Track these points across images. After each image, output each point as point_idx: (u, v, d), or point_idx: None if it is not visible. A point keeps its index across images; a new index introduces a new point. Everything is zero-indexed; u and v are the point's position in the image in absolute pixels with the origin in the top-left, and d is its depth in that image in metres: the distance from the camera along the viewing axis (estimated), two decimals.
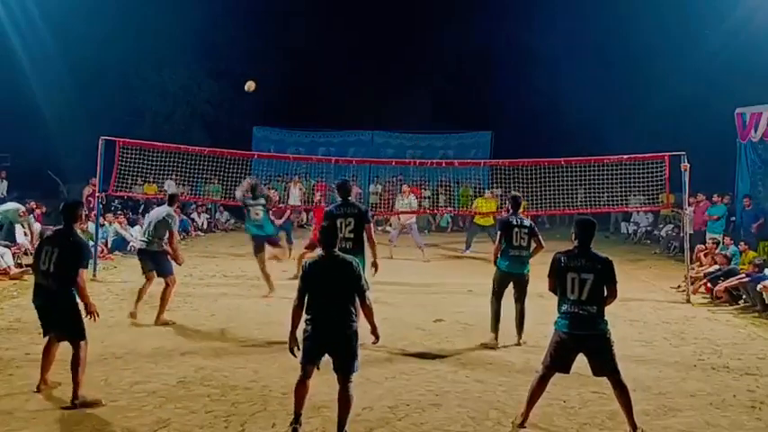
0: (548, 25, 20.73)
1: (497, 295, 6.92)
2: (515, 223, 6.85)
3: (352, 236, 6.56)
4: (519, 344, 6.86)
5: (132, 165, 11.61)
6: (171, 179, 15.00)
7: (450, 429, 4.73)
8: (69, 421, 4.66)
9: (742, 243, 10.85)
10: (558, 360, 4.67)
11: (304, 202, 16.82)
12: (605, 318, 4.64)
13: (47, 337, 5.22)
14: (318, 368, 4.59)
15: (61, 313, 5.06)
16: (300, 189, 17.51)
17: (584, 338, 4.60)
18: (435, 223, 19.62)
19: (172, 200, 7.93)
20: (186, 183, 13.39)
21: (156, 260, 7.60)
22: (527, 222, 6.98)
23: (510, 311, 6.99)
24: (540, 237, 6.96)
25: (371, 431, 4.68)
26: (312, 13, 23.39)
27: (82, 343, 5.06)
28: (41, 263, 5.01)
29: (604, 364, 4.61)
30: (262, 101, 23.05)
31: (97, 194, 10.67)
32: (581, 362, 6.29)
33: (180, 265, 7.79)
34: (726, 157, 13.46)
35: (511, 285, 6.93)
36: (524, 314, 6.91)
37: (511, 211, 7.12)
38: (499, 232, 6.97)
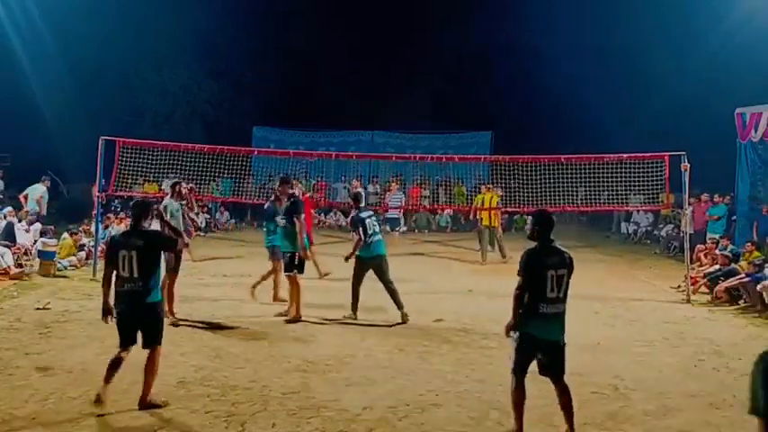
0: (548, 25, 20.75)
1: (359, 280, 7.83)
2: (365, 216, 7.94)
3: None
4: (404, 320, 7.67)
5: (132, 164, 11.61)
6: (169, 179, 15.01)
7: (450, 429, 4.73)
8: (69, 422, 4.66)
9: (748, 244, 10.80)
10: (527, 363, 4.53)
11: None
12: None
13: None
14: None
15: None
16: (298, 192, 17.38)
17: (548, 344, 4.48)
18: (435, 223, 19.64)
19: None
20: (187, 182, 13.39)
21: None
22: (371, 213, 8.26)
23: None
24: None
25: (371, 431, 4.67)
26: (312, 13, 23.39)
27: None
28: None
29: (561, 365, 4.54)
30: (262, 101, 23.12)
31: (97, 194, 10.66)
32: (581, 362, 6.31)
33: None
34: (726, 157, 13.45)
35: (371, 271, 7.82)
36: (396, 291, 7.81)
37: (355, 207, 8.14)
38: (360, 227, 7.80)
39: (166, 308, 7.59)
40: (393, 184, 16.80)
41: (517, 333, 4.53)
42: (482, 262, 12.74)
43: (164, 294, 7.49)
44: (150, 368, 4.95)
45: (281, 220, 7.84)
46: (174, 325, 7.31)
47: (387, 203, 15.67)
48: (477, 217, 13.69)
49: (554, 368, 4.53)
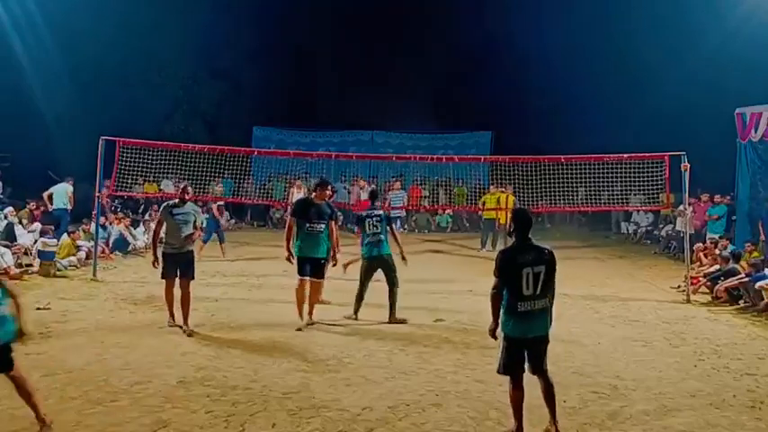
0: (548, 25, 20.73)
1: (363, 279, 7.82)
2: (365, 215, 7.89)
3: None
4: (397, 321, 7.65)
5: (132, 164, 11.61)
6: (168, 179, 15.03)
7: (450, 429, 4.73)
8: (68, 421, 4.66)
9: (748, 244, 10.79)
10: (517, 364, 4.54)
11: None
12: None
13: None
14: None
15: None
16: (305, 194, 17.23)
17: (534, 341, 4.53)
18: (434, 223, 19.62)
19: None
20: (187, 182, 13.41)
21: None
22: (372, 211, 7.89)
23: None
24: (392, 224, 8.15)
25: (371, 431, 4.67)
26: (312, 13, 23.40)
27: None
28: None
29: (541, 363, 4.56)
30: (262, 101, 23.12)
31: (96, 194, 10.66)
32: (581, 362, 6.31)
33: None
34: (726, 157, 13.45)
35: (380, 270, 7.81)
36: (395, 297, 7.80)
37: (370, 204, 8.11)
38: (357, 225, 7.99)
39: (167, 316, 7.34)
40: (396, 182, 16.85)
41: (503, 334, 4.56)
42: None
43: (167, 298, 7.28)
44: (27, 391, 4.48)
45: (319, 225, 7.49)
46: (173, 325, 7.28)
47: (389, 202, 15.76)
48: (495, 217, 13.85)
49: (533, 361, 4.56)
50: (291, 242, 7.47)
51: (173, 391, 5.28)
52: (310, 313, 7.57)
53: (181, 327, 7.16)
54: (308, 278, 7.41)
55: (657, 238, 16.05)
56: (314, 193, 7.61)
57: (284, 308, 8.39)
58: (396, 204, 15.69)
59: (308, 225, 7.37)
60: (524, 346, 4.54)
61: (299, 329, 7.28)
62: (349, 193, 18.41)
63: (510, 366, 4.54)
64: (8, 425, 4.59)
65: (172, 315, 7.33)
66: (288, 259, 7.46)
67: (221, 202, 13.91)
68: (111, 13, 19.26)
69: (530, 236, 4.61)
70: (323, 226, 7.45)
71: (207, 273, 10.58)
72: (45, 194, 13.58)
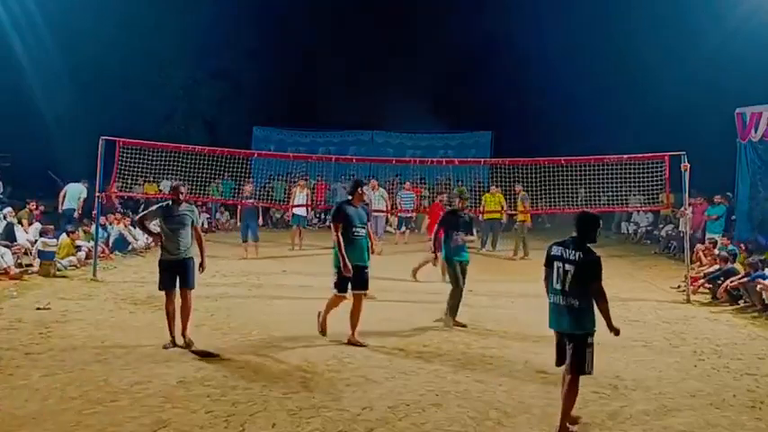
0: (548, 25, 20.74)
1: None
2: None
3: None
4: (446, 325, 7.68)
5: (132, 165, 11.61)
6: (168, 179, 15.01)
7: (450, 429, 4.73)
8: (68, 421, 4.66)
9: (742, 245, 10.81)
10: (557, 354, 4.76)
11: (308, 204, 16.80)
12: (591, 315, 4.61)
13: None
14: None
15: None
16: (308, 195, 16.98)
17: (562, 336, 4.67)
18: None
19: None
20: (187, 182, 13.41)
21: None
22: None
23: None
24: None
25: (371, 431, 4.67)
26: (312, 13, 23.41)
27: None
28: None
29: (571, 361, 4.63)
30: (262, 101, 23.14)
31: (96, 194, 10.66)
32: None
33: None
34: (726, 157, 13.46)
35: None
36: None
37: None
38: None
39: (167, 335, 6.56)
40: (407, 183, 16.97)
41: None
42: (523, 256, 13.63)
43: (167, 313, 6.55)
44: None
45: (362, 230, 6.85)
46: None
47: (400, 202, 15.88)
48: (499, 217, 14.29)
49: (572, 358, 4.64)
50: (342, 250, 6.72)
51: (173, 391, 5.27)
52: (353, 332, 6.85)
53: (181, 346, 6.52)
54: (347, 294, 6.81)
55: (657, 238, 16.05)
56: (351, 197, 6.98)
57: (284, 307, 8.42)
58: (407, 207, 15.79)
59: (352, 230, 6.77)
60: (559, 337, 4.73)
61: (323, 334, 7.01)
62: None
63: (558, 357, 4.77)
64: (8, 424, 4.59)
65: (172, 333, 6.54)
66: (347, 269, 6.64)
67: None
68: (112, 14, 19.30)
69: (584, 239, 4.68)
70: (365, 231, 6.91)
71: (207, 273, 10.54)
72: (61, 194, 13.87)
